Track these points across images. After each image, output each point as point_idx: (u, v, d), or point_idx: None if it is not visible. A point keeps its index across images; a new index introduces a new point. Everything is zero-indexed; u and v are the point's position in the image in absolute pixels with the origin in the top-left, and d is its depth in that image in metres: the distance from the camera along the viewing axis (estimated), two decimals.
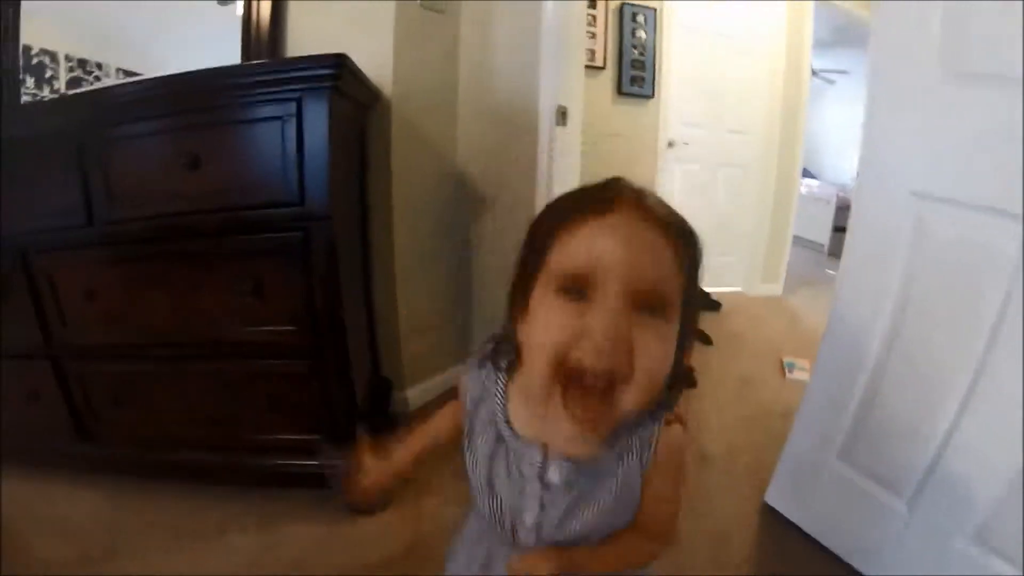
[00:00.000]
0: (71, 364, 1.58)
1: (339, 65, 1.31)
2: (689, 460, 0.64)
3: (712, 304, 3.62)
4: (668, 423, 0.64)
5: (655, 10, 3.45)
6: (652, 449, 0.63)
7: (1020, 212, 1.07)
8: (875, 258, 1.37)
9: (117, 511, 1.54)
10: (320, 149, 1.32)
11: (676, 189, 3.82)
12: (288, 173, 1.33)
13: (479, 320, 2.36)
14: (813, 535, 1.52)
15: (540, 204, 2.00)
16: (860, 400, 1.42)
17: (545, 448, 0.63)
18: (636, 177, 0.57)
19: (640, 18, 3.42)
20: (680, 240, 0.55)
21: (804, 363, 2.62)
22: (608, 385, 0.52)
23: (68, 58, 1.84)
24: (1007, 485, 1.13)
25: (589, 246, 0.52)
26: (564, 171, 2.08)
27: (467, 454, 0.70)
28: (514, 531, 0.68)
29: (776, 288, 4.18)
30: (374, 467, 0.79)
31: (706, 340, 3.01)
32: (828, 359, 1.52)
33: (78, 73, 1.87)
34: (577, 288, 0.52)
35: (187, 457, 1.59)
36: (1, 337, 1.57)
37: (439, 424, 0.80)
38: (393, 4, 1.78)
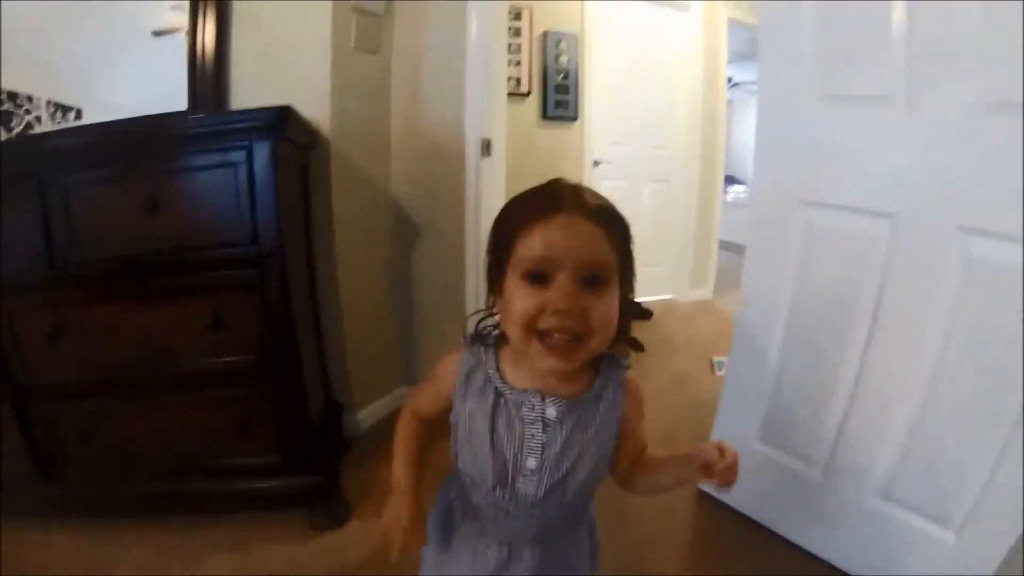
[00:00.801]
0: (34, 405, 1.61)
1: (284, 115, 1.43)
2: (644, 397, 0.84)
3: (643, 313, 3.78)
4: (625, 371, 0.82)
5: (576, 36, 3.63)
6: (622, 389, 0.80)
7: (886, 211, 1.29)
8: (772, 260, 1.56)
9: (88, 549, 1.56)
10: (269, 192, 1.42)
11: None
12: (241, 214, 1.42)
13: (421, 341, 2.45)
14: (744, 511, 1.70)
15: (470, 233, 2.18)
16: (772, 386, 1.60)
17: (541, 393, 0.77)
18: None
19: (562, 44, 3.59)
20: (612, 226, 0.72)
21: None
22: (572, 339, 0.68)
23: None
24: (903, 444, 1.33)
25: (544, 241, 0.68)
26: (490, 197, 2.20)
27: (460, 424, 0.81)
28: (512, 485, 0.79)
29: (706, 292, 4.41)
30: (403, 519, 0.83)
31: (638, 347, 3.17)
32: (740, 353, 1.71)
33: (8, 107, 1.81)
34: (539, 273, 0.68)
35: (155, 489, 1.63)
36: None
37: (414, 430, 0.91)
38: (329, 48, 1.89)
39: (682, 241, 4.26)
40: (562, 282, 0.67)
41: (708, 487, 1.77)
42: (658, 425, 2.23)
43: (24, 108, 1.85)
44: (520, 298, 0.69)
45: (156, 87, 1.91)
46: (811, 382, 1.51)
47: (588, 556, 0.94)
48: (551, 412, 0.77)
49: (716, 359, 2.93)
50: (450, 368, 0.84)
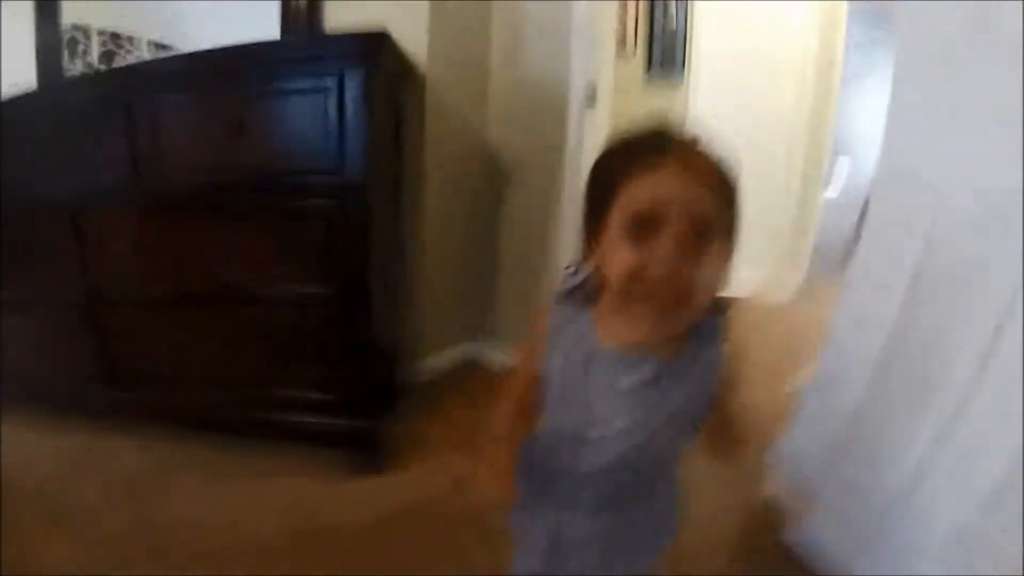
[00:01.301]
0: (108, 312, 1.66)
1: (379, 42, 1.38)
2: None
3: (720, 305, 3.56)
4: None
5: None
6: (720, 352, 0.75)
7: None
8: (886, 263, 1.35)
9: (138, 455, 1.63)
10: (359, 122, 1.38)
11: None
12: (328, 143, 1.39)
13: (501, 296, 2.38)
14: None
15: (568, 185, 2.06)
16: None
17: (637, 351, 0.72)
18: None
19: (672, 4, 3.41)
20: (723, 181, 0.66)
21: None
22: (675, 301, 0.63)
23: (100, 32, 1.88)
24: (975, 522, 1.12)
25: (653, 191, 0.62)
26: (591, 152, 2.08)
27: (551, 380, 0.78)
28: (599, 444, 0.75)
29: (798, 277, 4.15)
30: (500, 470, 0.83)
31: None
32: (830, 362, 1.52)
33: (110, 47, 1.91)
34: (645, 225, 0.62)
35: (207, 407, 1.67)
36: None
37: (523, 389, 0.85)
38: None
39: (773, 233, 3.95)
40: (668, 237, 0.61)
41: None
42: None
43: (125, 49, 1.96)
44: (622, 253, 0.64)
45: (254, 29, 1.95)
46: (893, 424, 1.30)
47: (660, 529, 0.88)
48: (646, 371, 0.72)
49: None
50: (540, 321, 0.80)
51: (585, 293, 0.76)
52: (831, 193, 4.37)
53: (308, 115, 1.40)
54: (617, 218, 0.65)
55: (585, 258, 0.74)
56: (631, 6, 3.26)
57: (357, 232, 1.46)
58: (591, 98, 2.05)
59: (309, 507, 1.48)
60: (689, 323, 0.69)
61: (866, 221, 1.41)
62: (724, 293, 0.73)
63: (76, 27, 1.85)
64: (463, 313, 2.36)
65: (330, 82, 1.37)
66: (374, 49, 1.37)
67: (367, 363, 1.60)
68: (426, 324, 2.15)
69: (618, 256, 0.64)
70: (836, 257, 5.55)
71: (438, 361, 2.26)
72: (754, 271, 3.95)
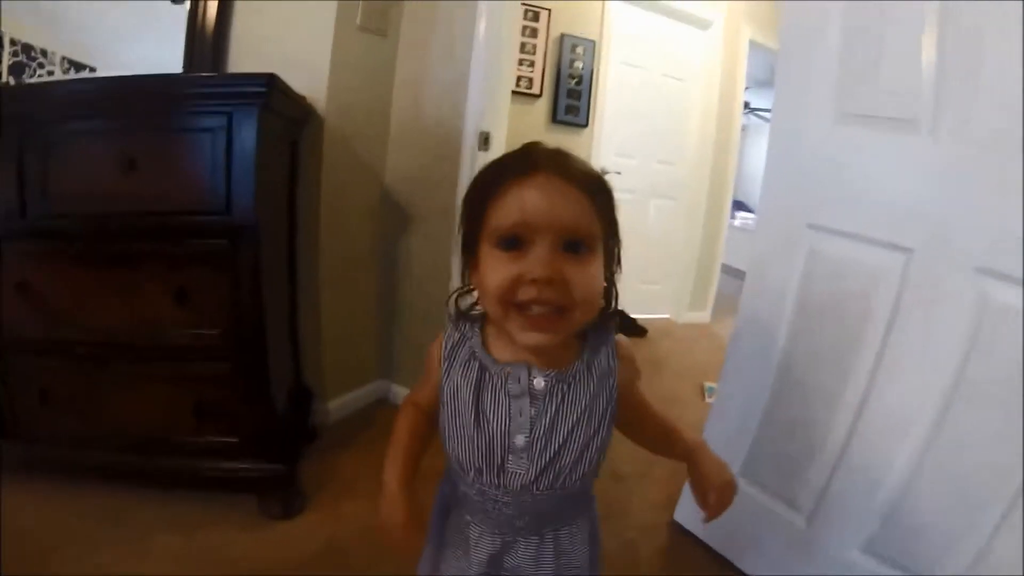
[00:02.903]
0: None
1: (269, 84, 1.36)
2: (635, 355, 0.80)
3: (638, 330, 3.73)
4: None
5: (594, 42, 3.57)
6: (615, 355, 0.75)
7: (903, 245, 1.19)
8: (772, 285, 1.47)
9: (38, 511, 1.51)
10: (247, 161, 1.36)
11: None
12: (217, 182, 1.36)
13: (401, 336, 2.36)
14: (718, 550, 1.59)
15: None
16: (761, 419, 1.50)
17: (528, 365, 0.72)
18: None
19: (579, 49, 3.53)
20: (594, 191, 0.66)
21: None
22: (553, 311, 0.63)
23: (13, 42, 1.79)
24: (893, 499, 1.23)
25: (519, 204, 0.63)
26: None
27: (446, 403, 0.75)
28: (502, 466, 0.72)
29: (704, 316, 4.34)
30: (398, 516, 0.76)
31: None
32: (730, 380, 1.62)
33: (22, 58, 1.82)
34: (514, 240, 0.63)
35: (108, 458, 1.56)
36: None
37: (410, 422, 0.82)
38: (333, 23, 1.83)
39: (684, 261, 4.20)
40: (540, 249, 0.62)
41: (681, 518, 1.70)
42: (636, 450, 2.13)
43: (38, 61, 1.87)
44: (494, 269, 0.65)
45: (170, 54, 1.90)
46: (803, 420, 1.41)
47: (589, 556, 0.84)
48: (539, 384, 0.72)
49: (708, 385, 2.85)
50: (436, 348, 0.79)
51: (478, 314, 0.77)
52: (735, 222, 4.64)
53: (198, 153, 1.37)
54: (489, 234, 0.65)
55: (466, 283, 0.75)
56: (539, 54, 3.37)
57: (248, 273, 1.42)
58: (484, 141, 2.08)
59: (228, 555, 1.41)
60: (571, 332, 0.69)
61: (750, 256, 1.55)
62: (619, 308, 0.76)
63: None
64: (369, 353, 2.33)
65: (221, 121, 1.35)
66: (264, 90, 1.35)
67: (271, 405, 1.56)
68: (332, 365, 2.11)
69: (493, 271, 0.65)
70: (743, 275, 5.91)
71: (347, 401, 2.21)
72: (668, 291, 4.14)
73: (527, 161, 0.66)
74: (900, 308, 1.21)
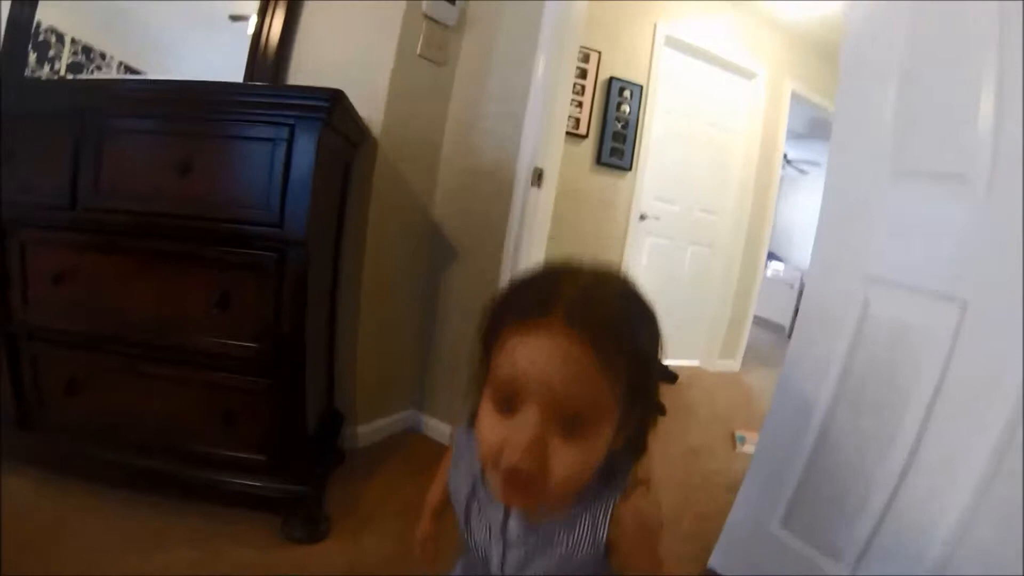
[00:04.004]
0: (26, 347, 1.54)
1: (334, 99, 1.36)
2: (661, 518, 0.69)
3: (669, 375, 3.66)
4: (628, 493, 0.66)
5: (641, 87, 3.60)
6: (606, 522, 0.64)
7: (958, 296, 1.17)
8: (822, 335, 1.44)
9: (48, 508, 1.48)
10: (305, 176, 1.35)
11: (644, 261, 3.90)
12: (272, 194, 1.36)
13: (435, 367, 2.34)
14: None
15: (507, 262, 2.06)
16: (803, 469, 1.46)
17: (507, 508, 0.69)
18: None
19: (626, 93, 3.55)
20: (620, 343, 0.56)
21: (755, 437, 2.66)
22: (529, 488, 0.56)
23: (74, 42, 1.85)
24: (945, 556, 1.17)
25: (517, 359, 0.55)
26: (534, 231, 2.11)
27: (452, 498, 0.76)
28: (489, 563, 0.72)
29: (734, 364, 4.27)
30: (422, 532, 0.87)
31: (661, 411, 3.08)
32: (774, 428, 1.57)
33: (80, 59, 1.88)
34: (507, 398, 0.56)
35: (129, 461, 1.53)
36: None
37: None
38: (394, 49, 1.86)
39: (718, 309, 4.15)
40: (526, 418, 0.54)
41: (717, 566, 1.64)
42: (669, 498, 2.09)
43: (96, 64, 1.92)
44: (484, 426, 0.59)
45: (223, 68, 1.96)
46: (850, 471, 1.36)
47: None
48: (511, 531, 0.69)
49: (739, 434, 2.78)
50: (453, 444, 0.79)
51: None
52: (769, 272, 4.61)
53: (255, 163, 1.37)
54: (489, 381, 0.59)
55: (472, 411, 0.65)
56: (587, 95, 3.40)
57: (294, 289, 1.41)
58: (538, 177, 2.08)
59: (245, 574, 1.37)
60: (547, 514, 0.65)
61: (801, 305, 1.51)
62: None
63: (52, 31, 1.81)
64: (403, 381, 2.30)
65: (281, 132, 1.35)
66: (329, 105, 1.36)
67: (303, 425, 1.52)
68: (365, 389, 2.08)
69: (482, 429, 0.59)
70: (777, 329, 5.87)
71: (377, 428, 2.18)
72: (699, 339, 4.09)
73: (544, 302, 0.56)
74: (954, 357, 1.18)
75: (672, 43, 3.67)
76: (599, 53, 3.39)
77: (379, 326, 2.08)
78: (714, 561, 1.66)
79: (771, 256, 6.76)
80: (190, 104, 1.43)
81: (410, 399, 2.35)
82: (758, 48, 3.93)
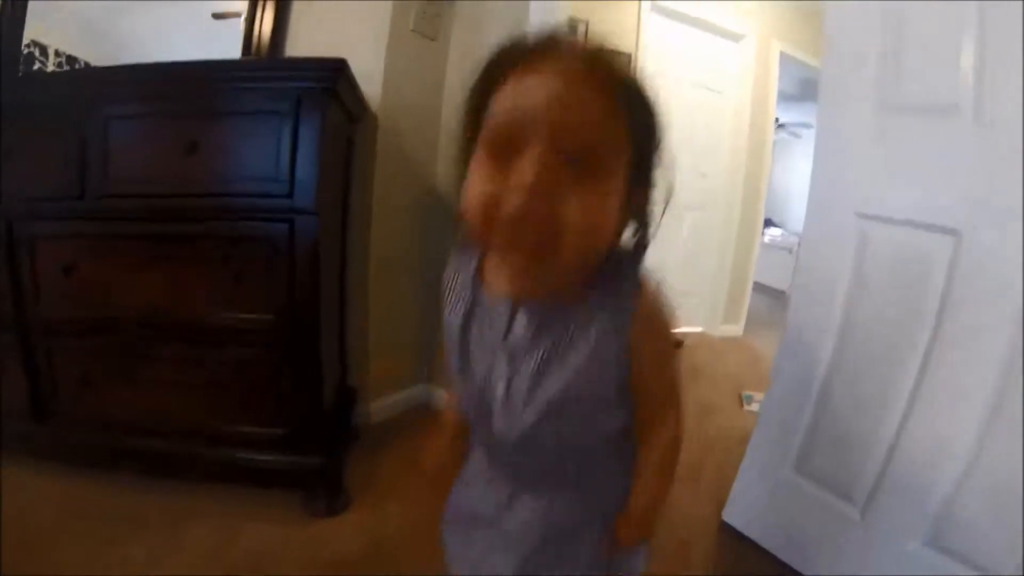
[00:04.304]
0: (39, 338, 1.55)
1: (339, 70, 1.38)
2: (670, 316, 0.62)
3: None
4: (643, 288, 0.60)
5: (630, 55, 3.59)
6: (628, 316, 0.58)
7: (953, 226, 1.19)
8: (822, 277, 1.47)
9: (70, 497, 1.50)
10: (312, 146, 1.37)
11: None
12: (280, 166, 1.37)
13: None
14: (770, 549, 1.56)
15: None
16: (812, 413, 1.49)
17: (512, 303, 0.60)
18: None
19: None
20: (628, 92, 0.51)
21: (761, 396, 2.69)
22: (540, 241, 0.48)
23: (58, 53, 1.84)
24: (954, 486, 1.20)
25: (517, 95, 0.48)
26: None
27: (445, 343, 0.68)
28: (490, 418, 0.64)
29: (737, 329, 4.29)
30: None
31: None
32: (782, 374, 1.59)
33: (65, 69, 1.86)
34: (506, 144, 0.48)
35: (148, 445, 1.55)
36: None
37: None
38: (388, 26, 1.86)
39: (718, 273, 4.16)
40: (528, 161, 0.46)
41: (731, 518, 1.67)
42: (685, 453, 2.11)
43: None
44: (476, 179, 0.50)
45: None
46: (857, 411, 1.39)
47: (592, 553, 0.72)
48: (519, 327, 0.59)
49: (746, 393, 2.81)
50: (445, 276, 0.69)
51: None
52: (764, 239, 4.61)
53: (262, 135, 1.38)
54: (482, 139, 0.51)
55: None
56: None
57: (306, 258, 1.43)
58: None
59: (269, 551, 1.39)
60: (565, 277, 0.55)
61: (799, 249, 1.51)
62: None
63: (35, 43, 1.80)
64: (412, 356, 2.32)
65: (286, 105, 1.36)
66: (332, 75, 1.37)
67: (320, 396, 1.54)
68: (376, 366, 2.11)
69: (471, 183, 0.50)
70: (777, 294, 5.88)
71: (389, 404, 2.20)
72: (701, 304, 4.14)
73: (544, 44, 0.50)
74: (952, 290, 1.20)
75: (658, 9, 3.65)
76: (586, 23, 3.38)
77: (387, 301, 2.10)
78: (728, 514, 1.69)
79: (768, 223, 6.76)
80: (193, 84, 1.44)
81: (420, 374, 2.37)
82: (744, 9, 3.91)
